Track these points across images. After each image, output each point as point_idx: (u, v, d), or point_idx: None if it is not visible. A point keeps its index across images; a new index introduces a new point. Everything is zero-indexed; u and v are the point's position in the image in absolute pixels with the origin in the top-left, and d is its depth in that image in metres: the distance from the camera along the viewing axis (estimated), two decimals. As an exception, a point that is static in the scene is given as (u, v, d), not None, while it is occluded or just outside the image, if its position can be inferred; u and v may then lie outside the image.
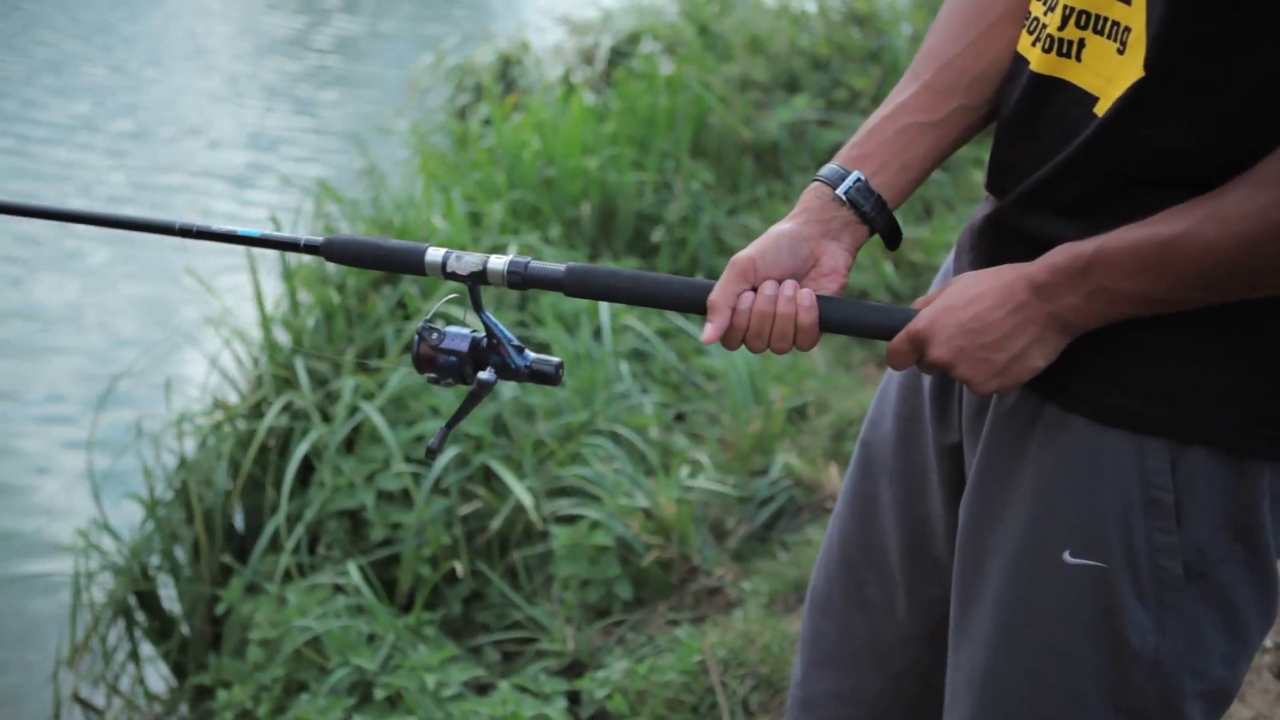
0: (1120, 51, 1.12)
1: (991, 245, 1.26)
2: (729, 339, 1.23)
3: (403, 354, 3.54)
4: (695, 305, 1.24)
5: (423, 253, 1.28)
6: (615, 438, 3.26)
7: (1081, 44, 1.17)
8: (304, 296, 4.04)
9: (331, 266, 4.14)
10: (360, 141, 5.06)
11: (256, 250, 4.03)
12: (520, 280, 1.26)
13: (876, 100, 5.36)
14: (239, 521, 3.46)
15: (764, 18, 6.07)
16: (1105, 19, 1.14)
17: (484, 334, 1.28)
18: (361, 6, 11.98)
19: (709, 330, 1.22)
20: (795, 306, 1.21)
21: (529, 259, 1.27)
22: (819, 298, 1.22)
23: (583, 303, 3.84)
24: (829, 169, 1.28)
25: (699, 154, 5.13)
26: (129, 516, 3.47)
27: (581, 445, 3.18)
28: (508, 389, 3.30)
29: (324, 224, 4.25)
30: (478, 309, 1.28)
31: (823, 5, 6.02)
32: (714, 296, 1.22)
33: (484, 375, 1.26)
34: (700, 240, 4.60)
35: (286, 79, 9.77)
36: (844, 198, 1.25)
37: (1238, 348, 1.12)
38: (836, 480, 3.12)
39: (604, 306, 3.75)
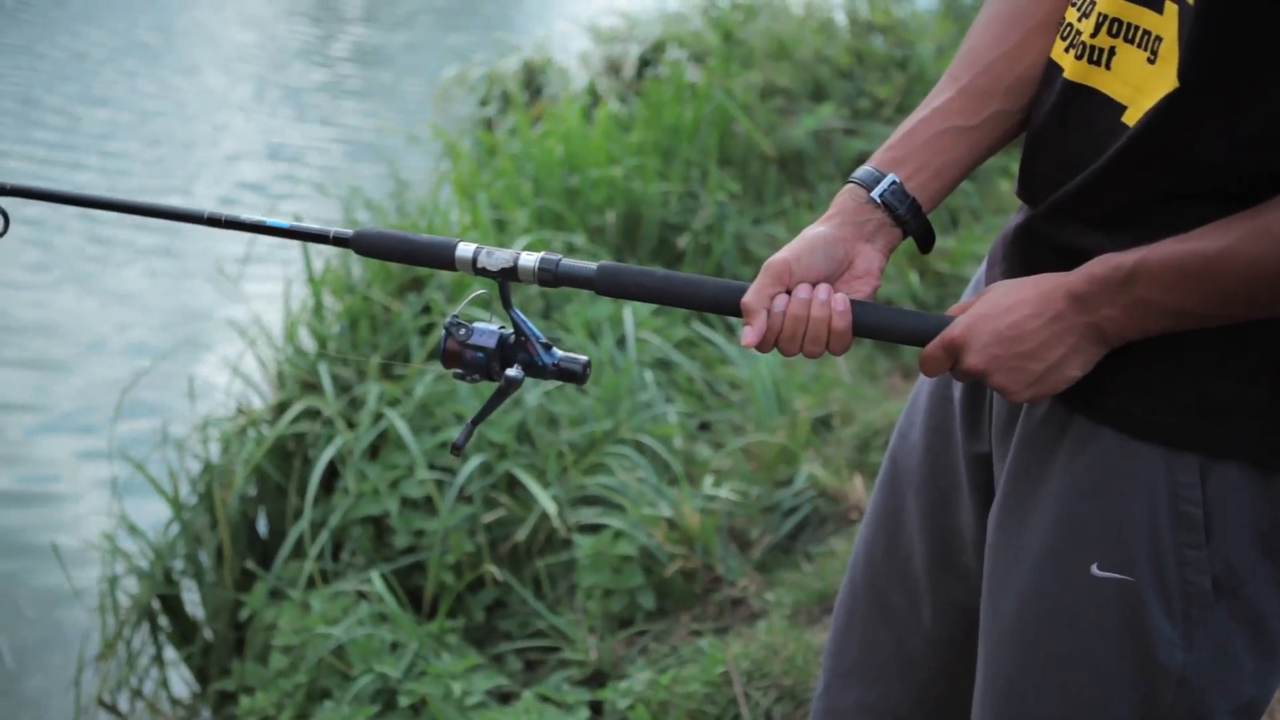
0: (1151, 61, 1.12)
1: (1023, 256, 1.25)
2: (762, 342, 1.22)
3: (428, 360, 3.54)
4: (729, 307, 1.23)
5: (453, 248, 1.27)
6: (639, 447, 3.25)
7: (1112, 52, 1.16)
8: (329, 302, 4.05)
9: (357, 272, 4.15)
10: (384, 151, 5.07)
11: (285, 256, 4.05)
12: (551, 278, 1.25)
13: (901, 109, 5.35)
14: (262, 527, 3.47)
15: (789, 24, 6.06)
16: (1137, 27, 1.14)
17: (512, 330, 1.27)
18: (379, 17, 11.81)
19: (749, 334, 1.21)
20: (829, 310, 1.20)
21: (560, 256, 1.25)
22: (853, 302, 1.22)
23: (606, 311, 3.84)
24: (864, 171, 1.27)
25: (724, 162, 5.13)
26: (153, 520, 3.48)
27: (605, 454, 3.17)
28: (532, 396, 3.30)
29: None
30: (506, 305, 1.27)
31: (850, 11, 6.01)
32: (749, 299, 1.21)
33: (511, 372, 1.25)
34: (725, 249, 4.59)
35: (305, 89, 9.69)
36: (879, 200, 1.25)
37: (1271, 363, 1.11)
38: (861, 491, 3.11)
39: (628, 315, 3.75)
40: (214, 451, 3.51)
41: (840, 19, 6.05)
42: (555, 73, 6.83)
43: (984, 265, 1.38)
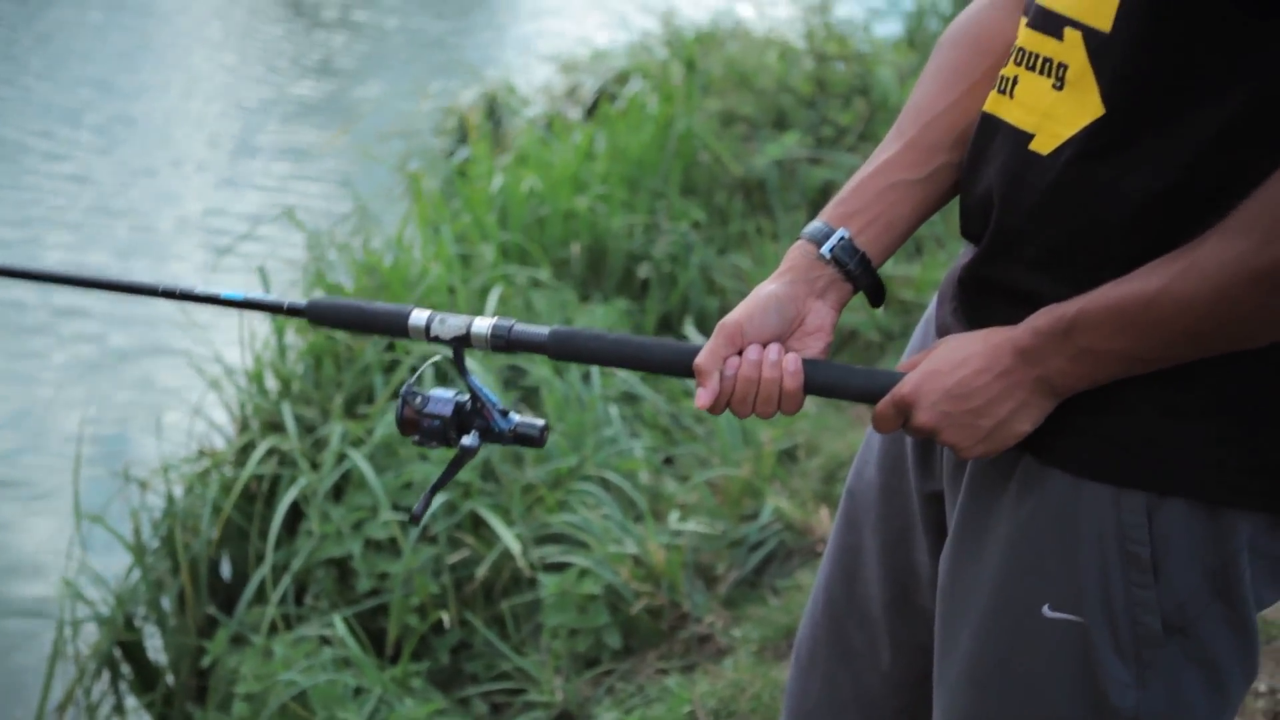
0: (1057, 87, 1.13)
1: (971, 297, 1.26)
2: (715, 403, 1.23)
3: (391, 399, 3.52)
4: (682, 368, 1.24)
5: (406, 316, 1.28)
6: (604, 483, 3.24)
7: (1015, 80, 1.18)
8: (292, 340, 4.02)
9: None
10: (349, 185, 5.04)
11: (250, 272, 4.01)
12: (504, 344, 1.26)
13: (864, 136, 5.36)
14: (226, 570, 3.44)
15: (752, 53, 6.09)
16: (1037, 55, 1.16)
17: (469, 397, 1.28)
18: (303, 61, 10.84)
19: (702, 396, 1.22)
20: (780, 371, 1.21)
21: (513, 322, 1.27)
22: (804, 361, 1.22)
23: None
24: (814, 226, 1.28)
25: (688, 191, 5.14)
26: (115, 565, 3.44)
27: (570, 492, 3.16)
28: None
29: (316, 268, 4.23)
30: (462, 372, 1.28)
31: (809, 37, 6.04)
32: (701, 360, 1.22)
33: (467, 440, 1.26)
34: (691, 280, 4.60)
35: (259, 128, 8.94)
36: (829, 256, 1.26)
37: (1214, 399, 1.12)
38: (827, 523, 3.10)
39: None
40: (176, 493, 3.48)
41: (801, 45, 6.07)
42: (518, 102, 6.82)
43: (934, 303, 1.38)
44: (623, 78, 6.60)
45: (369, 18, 10.81)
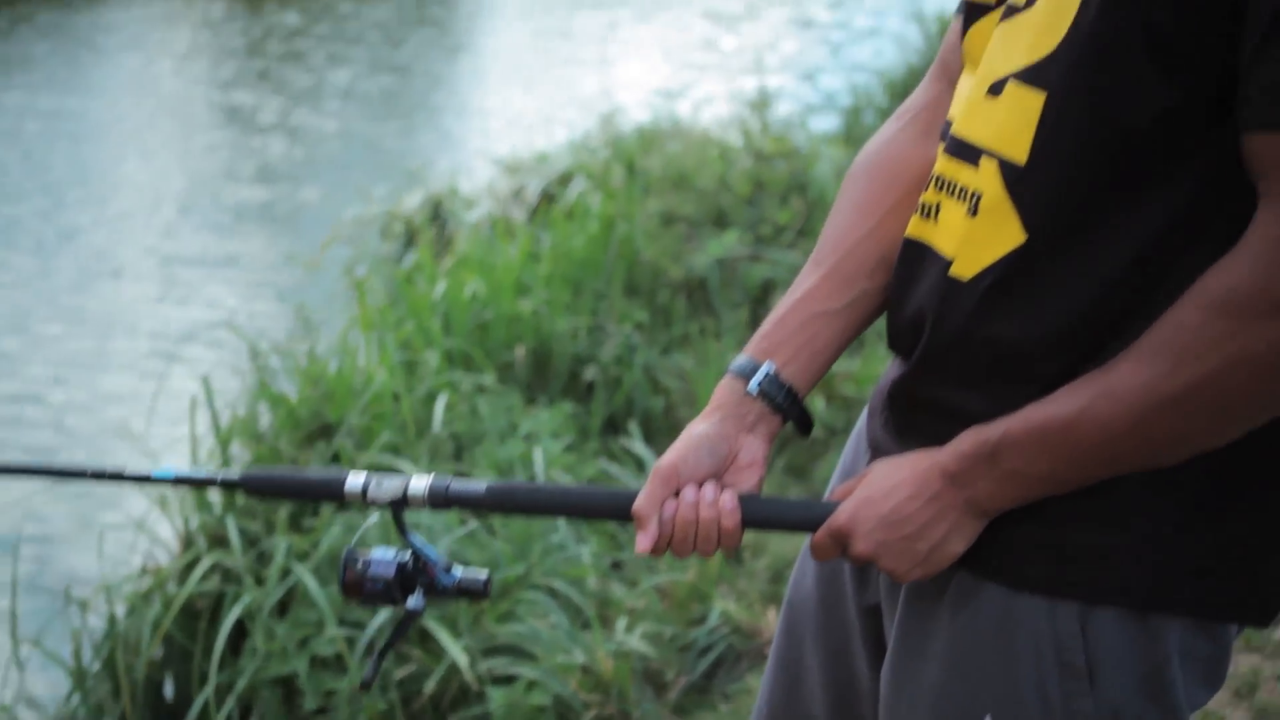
0: (972, 214, 1.17)
1: (900, 412, 1.30)
2: (655, 547, 1.25)
3: (337, 510, 3.50)
4: (621, 514, 1.27)
5: (343, 481, 1.30)
6: (552, 591, 3.23)
7: (939, 207, 1.23)
8: (237, 452, 4.00)
9: (264, 423, 4.12)
10: (293, 294, 5.04)
11: (193, 384, 3.99)
12: (442, 501, 1.28)
13: (802, 233, 5.46)
14: (169, 691, 3.38)
15: (692, 152, 6.19)
16: (955, 183, 1.21)
17: (410, 557, 1.29)
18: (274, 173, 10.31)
19: (642, 541, 1.25)
20: (717, 511, 1.24)
21: (450, 479, 1.29)
22: (740, 498, 1.25)
23: (518, 449, 3.83)
24: (740, 361, 1.32)
25: (631, 292, 5.19)
26: (54, 689, 3.37)
27: (517, 601, 3.15)
28: (443, 542, 3.26)
29: (260, 378, 4.21)
30: (402, 532, 1.30)
31: (746, 135, 6.17)
32: (639, 506, 1.25)
33: (412, 603, 1.28)
34: (635, 381, 4.63)
35: (197, 237, 8.38)
36: (756, 392, 1.29)
37: (1138, 507, 1.16)
38: (775, 624, 3.09)
39: (539, 454, 3.74)
40: (119, 612, 3.42)
41: (739, 142, 6.19)
42: (462, 205, 6.86)
43: (864, 415, 1.42)
44: (565, 178, 6.67)
45: (307, 121, 10.71)
